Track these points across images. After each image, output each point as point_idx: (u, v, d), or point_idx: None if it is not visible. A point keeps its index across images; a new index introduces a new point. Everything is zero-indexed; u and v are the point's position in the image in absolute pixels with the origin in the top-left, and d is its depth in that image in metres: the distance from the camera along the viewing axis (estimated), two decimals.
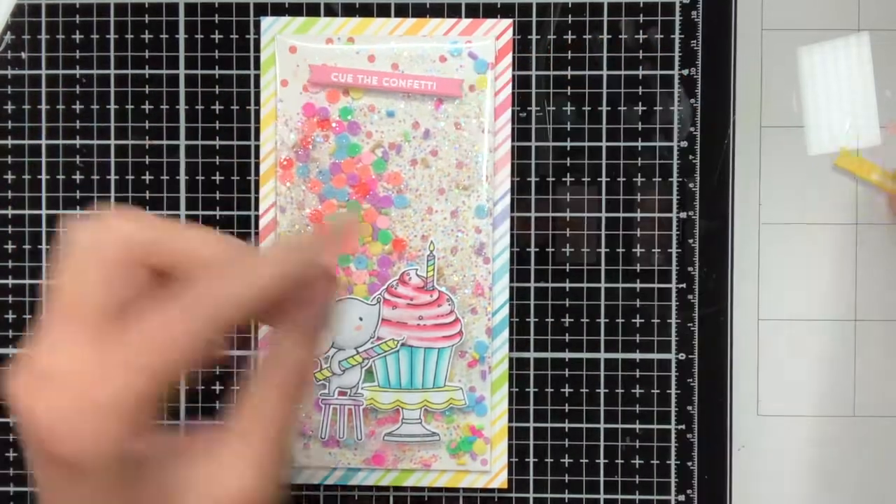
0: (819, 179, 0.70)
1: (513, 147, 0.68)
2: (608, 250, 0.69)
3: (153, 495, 0.47)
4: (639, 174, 0.67)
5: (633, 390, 0.69)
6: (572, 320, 0.69)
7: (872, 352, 0.70)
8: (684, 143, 0.69)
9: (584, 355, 0.69)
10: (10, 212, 0.70)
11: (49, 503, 0.47)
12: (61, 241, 0.58)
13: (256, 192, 0.69)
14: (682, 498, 0.69)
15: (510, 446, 0.69)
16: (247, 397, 0.50)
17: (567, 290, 0.69)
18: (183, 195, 0.69)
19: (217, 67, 0.70)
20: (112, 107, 0.70)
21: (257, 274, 0.48)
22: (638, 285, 0.69)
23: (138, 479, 0.47)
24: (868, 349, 0.70)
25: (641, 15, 0.69)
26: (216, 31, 0.70)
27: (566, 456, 0.69)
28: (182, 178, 0.70)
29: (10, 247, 0.70)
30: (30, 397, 0.45)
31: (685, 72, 0.69)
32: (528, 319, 0.69)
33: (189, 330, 0.46)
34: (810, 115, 0.69)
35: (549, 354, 0.67)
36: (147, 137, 0.70)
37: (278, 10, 0.69)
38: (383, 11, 0.69)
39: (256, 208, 0.69)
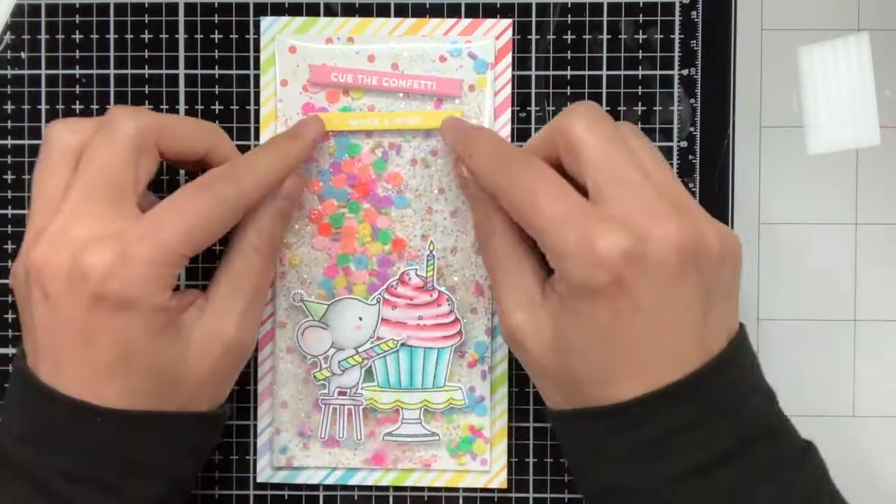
0: (819, 179, 0.69)
1: None
2: None
3: (174, 340, 0.59)
4: None
5: None
6: None
7: (872, 352, 0.70)
8: (684, 143, 0.69)
9: None
10: (9, 212, 0.70)
11: (89, 342, 0.57)
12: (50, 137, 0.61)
13: None
14: None
15: (510, 446, 0.69)
16: (232, 259, 0.63)
17: None
18: None
19: (217, 67, 0.70)
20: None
21: (260, 172, 0.62)
22: None
23: (167, 325, 0.59)
24: (868, 349, 0.70)
25: (641, 15, 0.69)
26: (216, 31, 0.70)
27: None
28: (182, 178, 0.70)
29: (10, 247, 0.70)
30: (74, 254, 0.56)
31: (685, 72, 0.69)
32: None
33: (210, 205, 0.59)
34: (810, 115, 0.69)
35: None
36: None
37: (278, 10, 0.69)
38: (383, 11, 0.69)
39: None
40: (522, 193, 0.58)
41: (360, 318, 0.68)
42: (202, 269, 0.70)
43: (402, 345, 0.67)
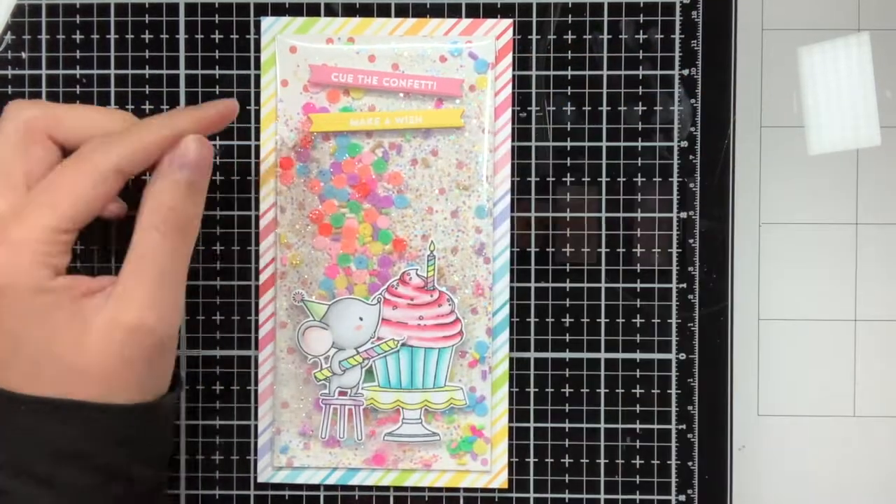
0: (819, 179, 0.70)
1: (513, 147, 0.68)
2: (608, 250, 0.69)
3: (66, 325, 0.57)
4: (639, 174, 0.67)
5: (633, 390, 0.69)
6: (572, 320, 0.69)
7: (872, 352, 0.70)
8: (684, 143, 0.69)
9: (585, 355, 0.69)
10: None
11: None
12: None
13: (257, 192, 0.69)
14: (682, 498, 0.69)
15: (510, 446, 0.69)
16: (134, 239, 0.59)
17: (567, 290, 0.69)
18: None
19: (217, 67, 0.70)
20: (113, 107, 0.70)
21: (141, 135, 0.59)
22: (638, 285, 0.69)
23: (53, 309, 0.57)
24: (868, 349, 0.70)
25: (641, 15, 0.69)
26: (216, 31, 0.70)
27: (566, 456, 0.69)
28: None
29: None
30: None
31: (685, 72, 0.69)
32: (528, 319, 0.69)
33: (86, 177, 0.57)
34: (810, 115, 0.70)
35: (549, 354, 0.67)
36: None
37: (278, 11, 0.69)
38: (383, 11, 0.69)
39: (257, 208, 0.69)
40: None
41: (361, 318, 0.68)
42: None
43: (403, 345, 0.67)
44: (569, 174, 0.68)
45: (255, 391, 0.69)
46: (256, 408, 0.69)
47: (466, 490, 0.69)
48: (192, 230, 0.61)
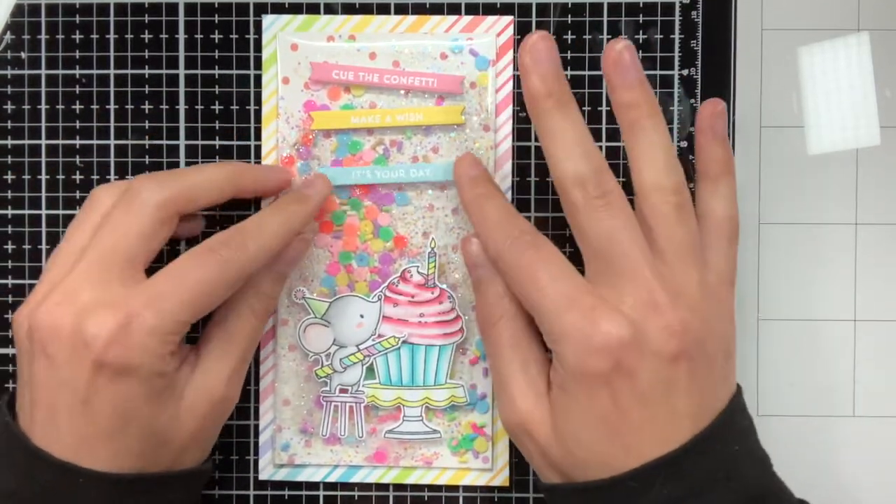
0: (819, 179, 0.70)
1: (513, 147, 0.68)
2: None
3: (168, 402, 0.60)
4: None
5: None
6: None
7: (872, 352, 0.70)
8: (684, 143, 0.69)
9: None
10: (10, 212, 0.70)
11: (88, 408, 0.57)
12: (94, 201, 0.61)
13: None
14: None
15: (511, 445, 0.69)
16: (228, 318, 0.64)
17: None
18: None
19: (217, 67, 0.70)
20: (112, 107, 0.70)
21: (268, 240, 0.62)
22: None
23: (165, 389, 0.59)
24: (868, 349, 0.70)
25: (641, 15, 0.69)
26: (216, 31, 0.70)
27: None
28: None
29: (10, 247, 0.70)
30: (77, 319, 0.57)
31: (685, 72, 0.69)
32: None
33: (215, 273, 0.59)
34: (810, 115, 0.70)
35: (550, 354, 0.66)
36: (147, 137, 0.70)
37: (278, 10, 0.69)
38: (383, 10, 0.69)
39: (258, 207, 0.69)
40: (525, 272, 0.59)
41: (362, 316, 0.68)
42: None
43: (404, 342, 0.67)
44: None
45: (256, 390, 0.69)
46: (256, 407, 0.69)
47: (466, 489, 0.69)
48: (273, 313, 0.68)
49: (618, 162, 0.68)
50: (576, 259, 0.59)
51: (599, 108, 0.69)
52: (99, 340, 0.56)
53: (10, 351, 0.70)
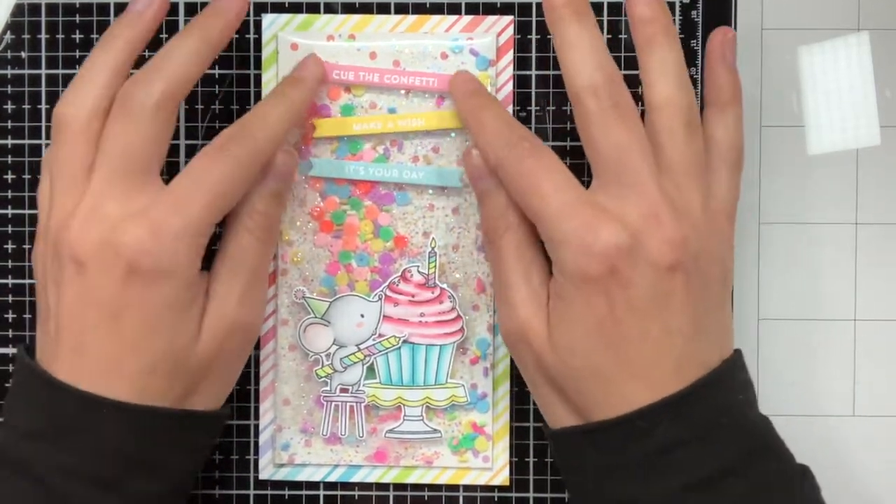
0: (819, 179, 0.70)
1: None
2: None
3: (191, 322, 0.60)
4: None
5: None
6: None
7: (872, 352, 0.70)
8: None
9: None
10: (10, 211, 0.70)
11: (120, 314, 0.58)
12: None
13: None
14: None
15: (511, 445, 0.69)
16: (227, 242, 0.64)
17: None
18: None
19: (217, 67, 0.70)
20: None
21: (271, 125, 0.62)
22: None
23: (191, 305, 0.60)
24: (868, 349, 0.70)
25: None
26: None
27: None
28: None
29: (10, 247, 0.70)
30: (106, 232, 0.58)
31: None
32: None
33: (230, 170, 0.60)
34: (810, 115, 0.70)
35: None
36: None
37: (278, 10, 0.69)
38: (383, 9, 0.69)
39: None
40: (527, 180, 0.59)
41: (362, 315, 0.68)
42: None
43: (404, 342, 0.68)
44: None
45: (256, 390, 0.69)
46: (256, 407, 0.69)
47: (466, 489, 0.69)
48: (276, 233, 0.66)
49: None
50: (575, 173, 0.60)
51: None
52: (130, 249, 0.57)
53: (10, 351, 0.70)
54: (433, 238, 0.68)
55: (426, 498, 0.69)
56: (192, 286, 0.60)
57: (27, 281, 0.70)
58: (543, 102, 0.69)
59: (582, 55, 0.59)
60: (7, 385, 0.69)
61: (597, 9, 0.68)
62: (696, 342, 0.58)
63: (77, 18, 0.70)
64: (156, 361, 0.59)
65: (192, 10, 0.69)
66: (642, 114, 0.61)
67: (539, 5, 0.68)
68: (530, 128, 0.69)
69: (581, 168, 0.68)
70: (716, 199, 0.62)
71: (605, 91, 0.59)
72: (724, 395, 0.58)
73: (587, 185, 0.60)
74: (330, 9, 0.69)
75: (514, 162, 0.60)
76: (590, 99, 0.59)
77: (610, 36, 0.69)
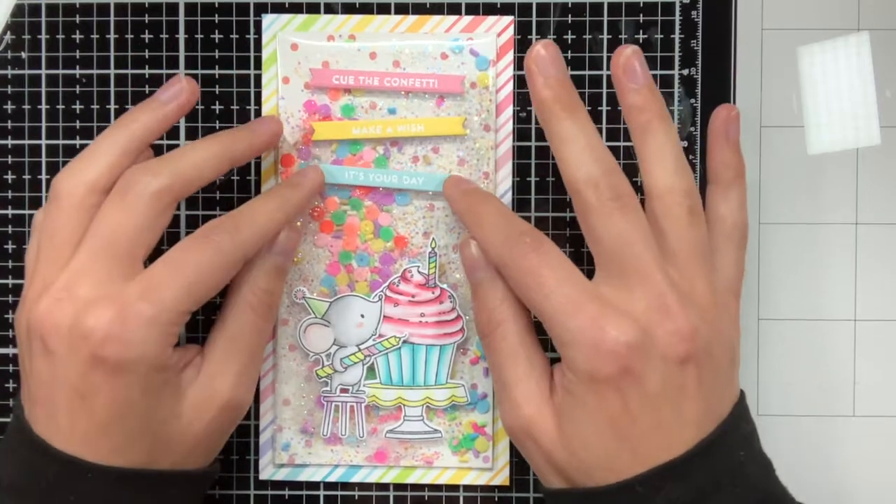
0: (819, 179, 0.70)
1: (513, 147, 0.68)
2: None
3: (168, 399, 0.59)
4: (639, 174, 0.67)
5: None
6: None
7: (872, 352, 0.70)
8: (684, 143, 0.69)
9: None
10: (10, 211, 0.70)
11: (86, 405, 0.57)
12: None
13: (258, 190, 0.69)
14: None
15: (512, 445, 0.69)
16: (227, 318, 0.63)
17: None
18: None
19: (217, 67, 0.70)
20: (112, 107, 0.70)
21: (259, 221, 0.62)
22: None
23: (164, 385, 0.59)
24: (868, 349, 0.70)
25: (641, 15, 0.69)
26: (216, 31, 0.70)
27: None
28: None
29: (10, 247, 0.70)
30: (76, 313, 0.57)
31: (685, 72, 0.69)
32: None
33: (211, 260, 0.59)
34: (810, 115, 0.70)
35: (550, 354, 0.66)
36: None
37: (278, 10, 0.69)
38: (383, 10, 0.69)
39: (258, 191, 0.69)
40: (530, 277, 0.59)
41: (363, 316, 0.68)
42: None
43: (405, 342, 0.68)
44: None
45: (256, 391, 0.69)
46: (256, 407, 0.69)
47: (466, 489, 0.69)
48: (277, 311, 0.66)
49: (617, 162, 0.68)
50: (575, 260, 0.59)
51: (599, 108, 0.69)
52: (96, 334, 0.56)
53: (10, 351, 0.70)
54: (433, 238, 0.68)
55: (426, 498, 0.69)
56: (163, 370, 0.59)
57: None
58: None
59: (578, 149, 0.59)
60: (7, 386, 0.70)
61: (597, 9, 0.69)
62: (704, 418, 0.58)
63: (77, 19, 0.70)
64: (132, 440, 0.58)
65: (192, 10, 0.70)
66: (642, 202, 0.61)
67: (540, 5, 0.69)
68: (531, 128, 0.69)
69: None
70: (722, 278, 0.62)
71: (604, 183, 0.58)
72: (724, 454, 0.58)
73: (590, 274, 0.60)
74: (330, 9, 0.69)
75: (516, 258, 0.59)
76: (589, 192, 0.58)
77: (610, 36, 0.69)
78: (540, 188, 0.69)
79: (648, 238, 0.58)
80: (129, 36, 0.70)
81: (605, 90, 0.69)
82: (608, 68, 0.68)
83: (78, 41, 0.70)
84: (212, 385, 0.61)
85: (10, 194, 0.70)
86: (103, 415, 0.57)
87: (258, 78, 0.69)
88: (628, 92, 0.60)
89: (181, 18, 0.70)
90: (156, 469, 0.59)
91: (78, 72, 0.70)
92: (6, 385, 0.70)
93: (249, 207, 0.62)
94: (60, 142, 0.70)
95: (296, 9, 0.69)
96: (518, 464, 0.69)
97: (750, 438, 0.60)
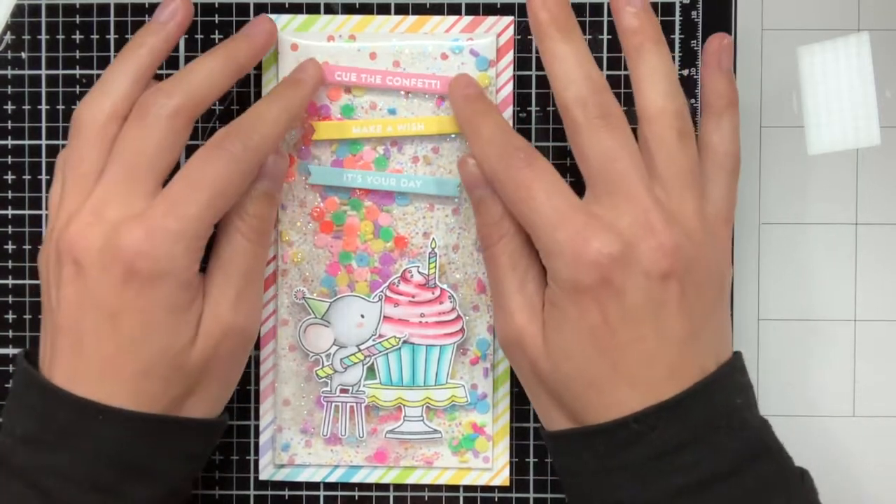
0: (819, 179, 0.70)
1: None
2: None
3: (189, 324, 0.60)
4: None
5: None
6: None
7: (872, 352, 0.70)
8: None
9: None
10: (10, 211, 0.70)
11: (116, 321, 0.58)
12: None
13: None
14: None
15: (511, 446, 0.69)
16: (220, 245, 0.63)
17: None
18: None
19: None
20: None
21: (267, 123, 0.62)
22: None
23: (188, 307, 0.60)
24: (868, 349, 0.70)
25: None
26: (216, 31, 0.70)
27: None
28: None
29: (10, 247, 0.70)
30: (106, 234, 0.58)
31: (685, 72, 0.69)
32: None
33: (226, 167, 0.60)
34: (810, 115, 0.70)
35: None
36: None
37: (278, 10, 0.69)
38: (383, 10, 0.69)
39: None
40: (521, 190, 0.60)
41: (362, 316, 0.68)
42: None
43: (404, 342, 0.68)
44: (569, 174, 0.68)
45: (256, 390, 0.69)
46: (256, 407, 0.69)
47: (466, 489, 0.69)
48: (269, 235, 0.66)
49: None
50: (576, 189, 0.60)
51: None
52: (128, 252, 0.57)
53: (10, 351, 0.70)
54: (433, 238, 0.68)
55: (426, 498, 0.69)
56: (189, 288, 0.60)
57: (27, 281, 0.70)
58: (544, 103, 0.69)
59: (568, 68, 0.60)
60: (7, 386, 0.70)
61: (597, 9, 0.69)
62: (692, 347, 0.58)
63: (77, 19, 0.70)
64: (152, 364, 0.59)
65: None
66: (635, 131, 0.61)
67: None
68: (531, 128, 0.69)
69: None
70: (712, 205, 0.62)
71: (592, 101, 0.59)
72: (721, 398, 0.58)
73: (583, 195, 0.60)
74: (330, 9, 0.69)
75: (509, 172, 0.60)
76: (578, 110, 0.59)
77: (610, 36, 0.69)
78: None
79: (635, 156, 0.59)
80: (130, 36, 0.70)
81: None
82: (608, 68, 0.69)
83: (78, 41, 0.70)
84: (213, 311, 0.62)
85: (10, 194, 0.70)
86: (129, 334, 0.58)
87: (258, 78, 0.69)
88: (625, 15, 0.62)
89: None
90: (169, 415, 0.60)
91: (78, 72, 0.70)
92: (6, 385, 0.70)
93: (255, 111, 0.63)
94: (60, 142, 0.70)
95: (296, 9, 0.69)
96: (518, 464, 0.69)
97: (747, 390, 0.61)
